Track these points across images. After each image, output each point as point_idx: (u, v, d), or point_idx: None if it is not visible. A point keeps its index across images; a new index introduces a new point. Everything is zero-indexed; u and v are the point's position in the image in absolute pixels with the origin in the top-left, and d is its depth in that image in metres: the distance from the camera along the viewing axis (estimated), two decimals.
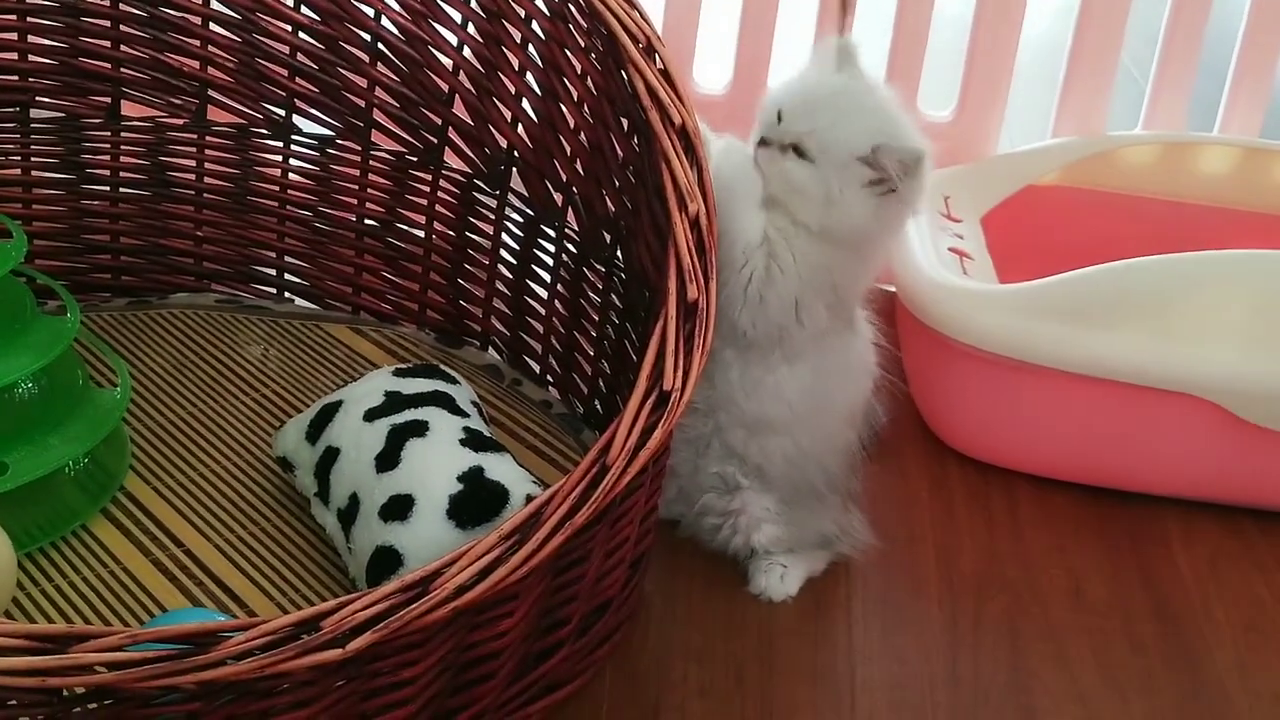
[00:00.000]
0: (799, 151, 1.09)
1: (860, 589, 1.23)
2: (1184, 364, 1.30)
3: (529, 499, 0.99)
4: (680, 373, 0.98)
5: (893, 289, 1.39)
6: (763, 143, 1.11)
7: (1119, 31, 1.65)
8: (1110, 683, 1.16)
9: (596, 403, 1.28)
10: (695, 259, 1.03)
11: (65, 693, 0.78)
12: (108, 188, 1.38)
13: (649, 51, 1.12)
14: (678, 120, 1.09)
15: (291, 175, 1.40)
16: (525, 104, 1.27)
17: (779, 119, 1.10)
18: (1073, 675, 1.16)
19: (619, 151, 1.19)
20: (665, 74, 1.11)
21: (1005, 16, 1.63)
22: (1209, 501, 1.37)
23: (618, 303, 1.23)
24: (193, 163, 1.39)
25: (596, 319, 1.26)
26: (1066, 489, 1.37)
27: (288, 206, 1.40)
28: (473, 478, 1.01)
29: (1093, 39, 1.65)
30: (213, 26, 1.33)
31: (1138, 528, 1.34)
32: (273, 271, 1.43)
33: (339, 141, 1.38)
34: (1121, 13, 1.64)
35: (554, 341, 1.33)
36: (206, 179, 1.39)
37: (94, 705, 0.79)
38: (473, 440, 1.05)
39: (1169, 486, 1.37)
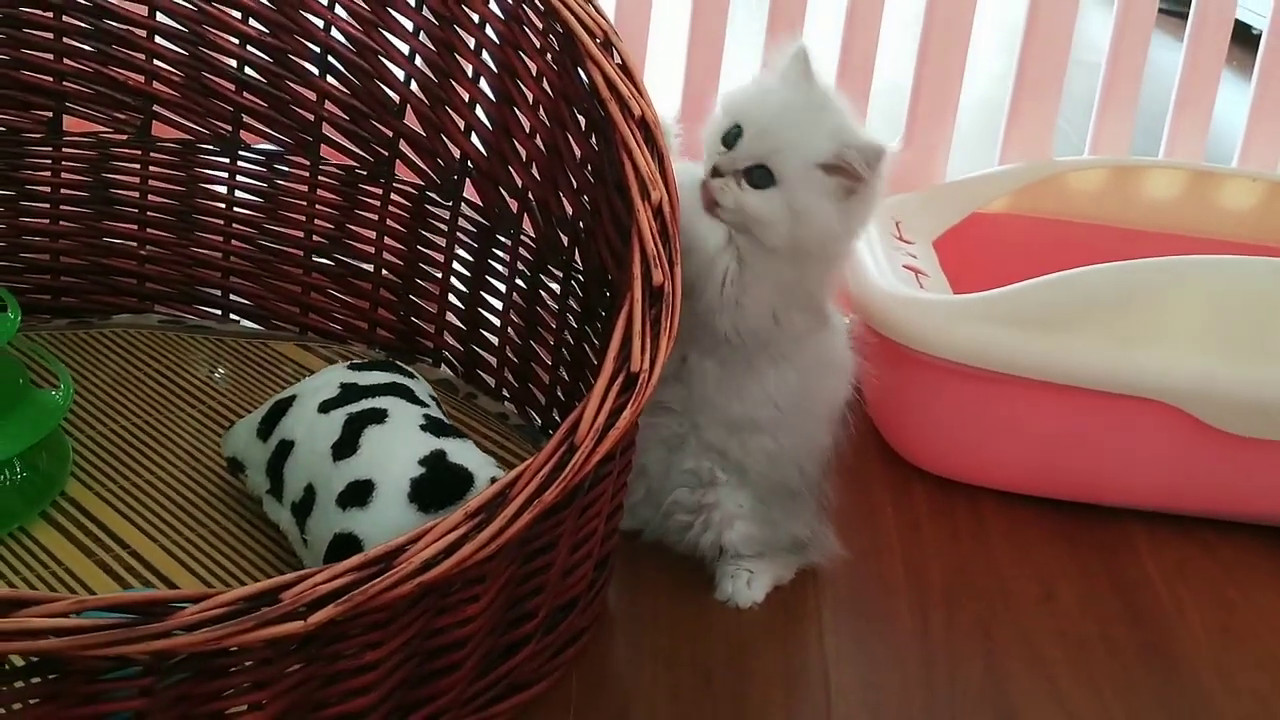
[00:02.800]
0: (756, 176, 1.06)
1: (830, 596, 1.20)
2: (1147, 369, 1.29)
3: (494, 481, 0.96)
4: (648, 355, 0.96)
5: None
6: (715, 173, 1.07)
7: (1064, 57, 1.66)
8: (1087, 683, 1.13)
9: (555, 413, 1.25)
10: (659, 245, 1.01)
11: (6, 665, 0.73)
12: (48, 205, 1.34)
13: (607, 46, 1.11)
14: (637, 111, 1.07)
15: (238, 192, 1.37)
16: (479, 111, 1.26)
17: (733, 142, 1.07)
18: (1049, 676, 1.14)
19: (576, 151, 1.17)
20: (623, 68, 1.10)
21: (950, 47, 1.64)
22: (1175, 513, 1.35)
23: (575, 306, 1.21)
24: (136, 180, 1.35)
25: (554, 326, 1.24)
26: (1032, 503, 1.36)
27: (234, 225, 1.37)
28: (435, 461, 0.97)
29: (1038, 64, 1.66)
30: (158, 40, 1.31)
31: (1105, 537, 1.33)
32: (218, 292, 1.39)
33: (287, 157, 1.35)
34: (1065, 40, 1.66)
35: (509, 353, 1.30)
36: (150, 196, 1.36)
37: (38, 679, 0.74)
38: (433, 426, 1.02)
39: (1134, 498, 1.36)
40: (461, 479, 0.96)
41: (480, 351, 1.32)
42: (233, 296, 1.39)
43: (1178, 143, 1.73)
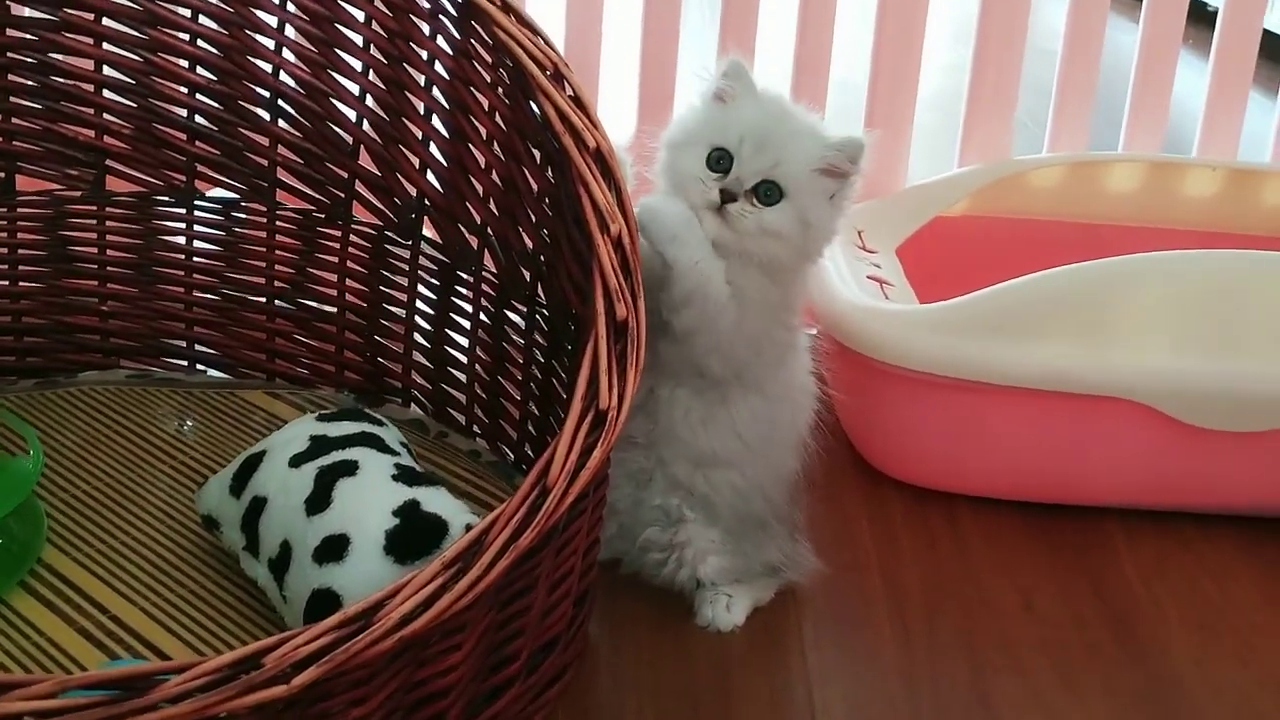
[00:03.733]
0: (764, 192, 1.06)
1: (810, 614, 1.20)
2: (1115, 369, 1.30)
3: (469, 529, 0.96)
4: (615, 392, 0.96)
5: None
6: (728, 198, 1.06)
7: (1019, 55, 1.67)
8: (1070, 688, 1.14)
9: (527, 447, 1.25)
10: (621, 279, 1.01)
11: None
12: (6, 266, 1.33)
13: (558, 78, 1.11)
14: (591, 143, 1.07)
15: (196, 242, 1.36)
16: (433, 148, 1.25)
17: (723, 165, 1.07)
18: (1032, 684, 1.14)
19: (533, 184, 1.17)
20: (576, 99, 1.10)
21: (904, 50, 1.65)
22: (1151, 509, 1.36)
23: (541, 340, 1.21)
24: (94, 235, 1.34)
25: (521, 361, 1.24)
26: (1007, 507, 1.36)
27: (194, 275, 1.36)
28: (409, 511, 0.97)
29: (993, 64, 1.67)
30: (106, 93, 1.30)
31: (1082, 538, 1.33)
32: (183, 343, 1.38)
33: (243, 204, 1.35)
34: (1020, 37, 1.66)
35: (478, 389, 1.29)
36: (109, 251, 1.35)
37: None
38: (405, 475, 1.02)
39: (1110, 496, 1.36)
40: (436, 528, 0.96)
41: (449, 389, 1.32)
42: (198, 347, 1.38)
43: (1137, 132, 1.73)
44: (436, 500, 0.99)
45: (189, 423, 1.29)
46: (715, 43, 1.63)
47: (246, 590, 1.05)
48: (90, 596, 1.05)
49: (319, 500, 0.99)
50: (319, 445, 1.04)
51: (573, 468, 0.92)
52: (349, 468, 1.01)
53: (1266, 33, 1.76)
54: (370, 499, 0.98)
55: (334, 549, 0.95)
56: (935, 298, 1.48)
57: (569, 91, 1.10)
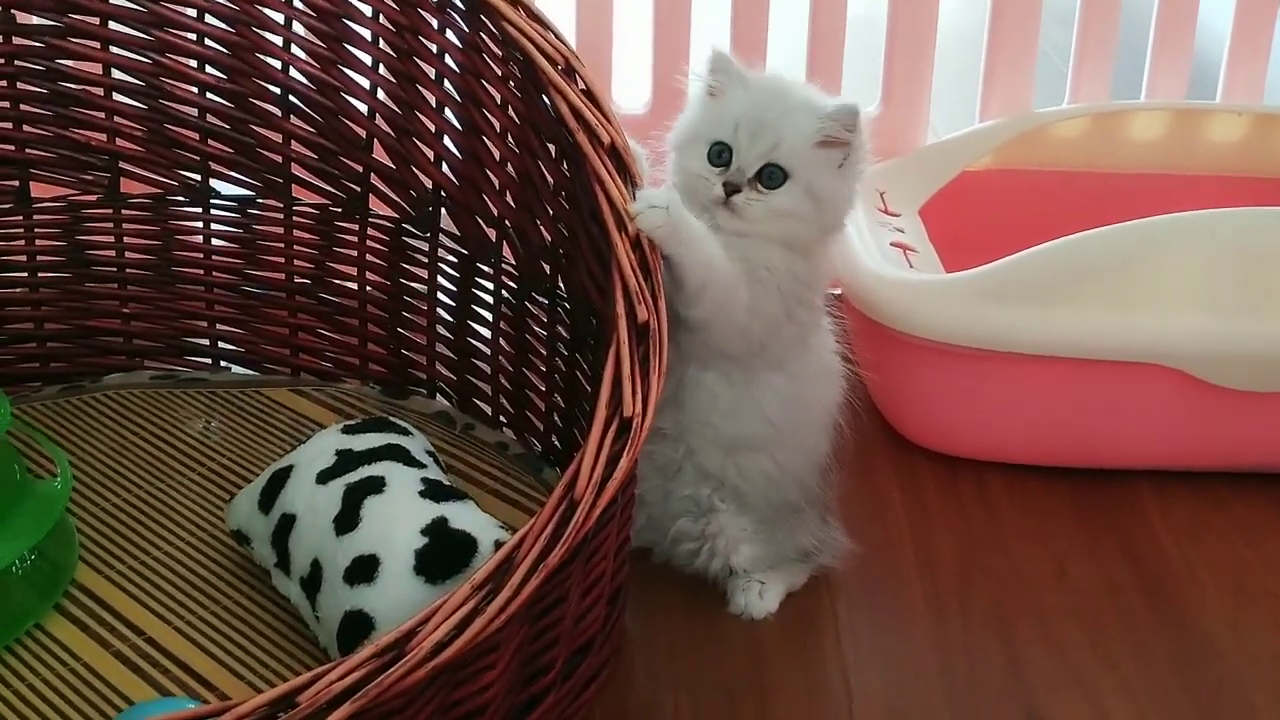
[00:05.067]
0: (768, 176, 1.06)
1: (844, 597, 1.20)
2: (1143, 333, 1.29)
3: (498, 545, 0.96)
4: (639, 398, 0.95)
5: (838, 291, 1.36)
6: (732, 190, 1.06)
7: (1037, 7, 1.64)
8: (1106, 660, 1.14)
9: (554, 438, 1.25)
10: (641, 280, 1.00)
11: None
12: (25, 274, 1.33)
13: (569, 73, 1.09)
14: (606, 139, 1.06)
15: (215, 240, 1.35)
16: (447, 141, 1.24)
17: (724, 159, 1.06)
18: (1068, 657, 1.14)
19: (549, 178, 1.16)
20: (588, 93, 1.09)
21: (921, 3, 1.62)
22: (1182, 470, 1.35)
23: (564, 333, 1.20)
24: (111, 239, 1.34)
25: (545, 353, 1.23)
26: (1038, 473, 1.36)
27: (214, 273, 1.36)
28: (437, 529, 0.97)
29: (1011, 18, 1.64)
30: (117, 97, 1.29)
31: (1113, 503, 1.32)
32: (206, 341, 1.38)
33: (260, 200, 1.34)
34: None
35: (503, 381, 1.29)
36: (127, 254, 1.35)
37: None
38: (432, 490, 1.02)
39: (1140, 459, 1.35)
40: (465, 545, 0.96)
41: (474, 380, 1.32)
42: (221, 345, 1.38)
43: (1158, 81, 1.70)
44: (464, 516, 0.99)
45: (214, 423, 1.29)
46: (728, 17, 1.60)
47: (280, 607, 1.06)
48: (124, 617, 1.06)
49: (348, 519, 0.99)
50: (345, 460, 1.04)
51: (599, 479, 0.91)
52: (376, 485, 1.01)
53: None
54: (398, 517, 0.98)
55: (364, 570, 0.95)
56: (961, 257, 1.46)
57: (581, 85, 1.09)
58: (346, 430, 1.10)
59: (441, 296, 1.31)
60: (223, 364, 1.39)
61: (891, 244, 1.44)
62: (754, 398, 1.12)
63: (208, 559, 1.12)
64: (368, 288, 1.34)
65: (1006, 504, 1.33)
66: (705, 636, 1.15)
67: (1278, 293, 1.29)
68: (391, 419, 1.15)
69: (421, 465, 1.06)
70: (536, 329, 1.24)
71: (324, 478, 1.03)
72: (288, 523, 1.03)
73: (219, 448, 1.26)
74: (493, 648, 0.89)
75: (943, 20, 1.64)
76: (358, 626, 0.94)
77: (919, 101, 1.67)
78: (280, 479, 1.06)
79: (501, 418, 1.31)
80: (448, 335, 1.32)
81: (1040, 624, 1.17)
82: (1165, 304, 1.29)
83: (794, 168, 1.06)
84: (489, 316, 1.28)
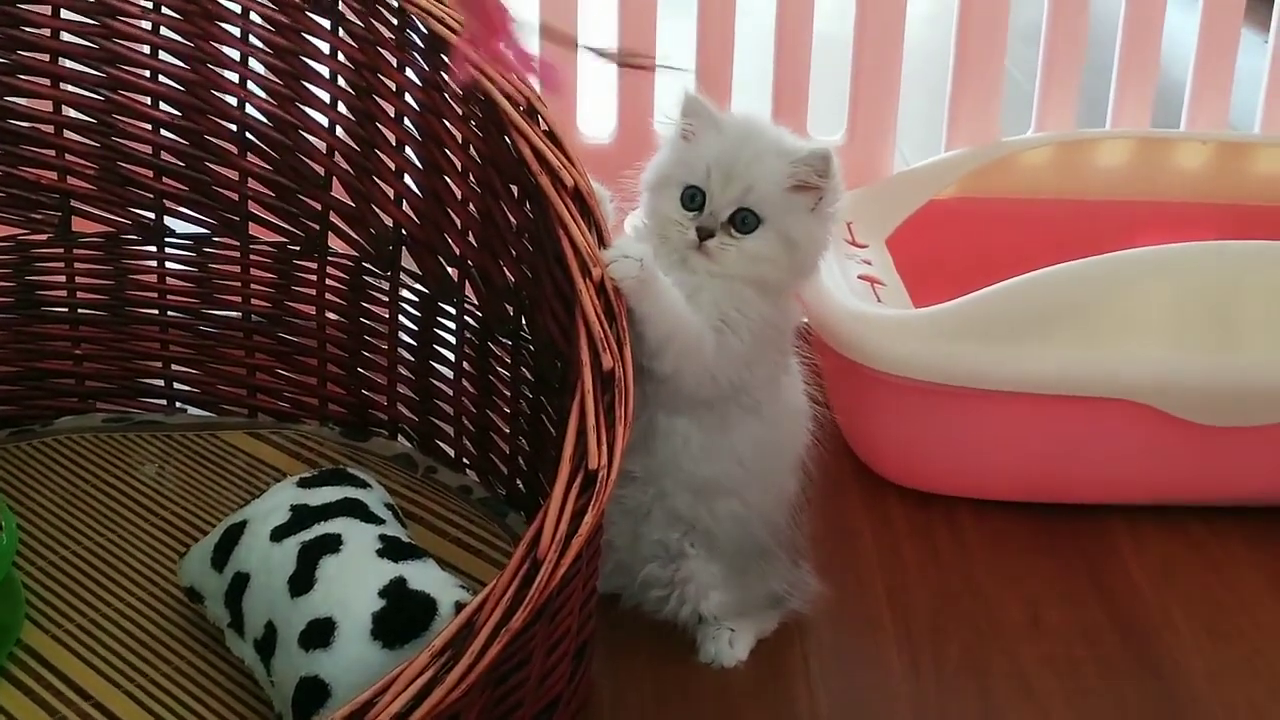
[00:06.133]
0: (740, 220, 1.05)
1: (815, 644, 1.18)
2: (1111, 369, 1.28)
3: (458, 606, 0.93)
4: (605, 449, 0.93)
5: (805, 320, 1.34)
6: (705, 234, 1.05)
7: (1001, 37, 1.63)
8: (1083, 712, 1.12)
9: (519, 481, 1.22)
10: (605, 326, 0.98)
11: None
12: None
13: (531, 114, 1.07)
14: (569, 182, 1.04)
15: (169, 279, 1.32)
16: (408, 179, 1.22)
17: (697, 203, 1.05)
18: (1043, 709, 1.12)
19: (512, 219, 1.13)
20: (550, 135, 1.06)
21: (886, 33, 1.61)
22: (1153, 504, 1.34)
23: (529, 375, 1.17)
24: (62, 278, 1.31)
25: (509, 394, 1.21)
26: (1010, 509, 1.34)
27: (169, 312, 1.33)
28: (395, 590, 0.94)
29: (975, 47, 1.63)
30: (68, 134, 1.26)
31: (1085, 540, 1.31)
32: (160, 382, 1.35)
33: (215, 239, 1.31)
34: (1002, 17, 1.62)
35: (466, 422, 1.26)
36: (79, 294, 1.31)
37: None
38: (390, 549, 0.98)
39: (1111, 494, 1.34)
40: (425, 607, 0.93)
41: (436, 421, 1.29)
42: (176, 385, 1.35)
43: (1123, 109, 1.70)
44: (423, 576, 0.96)
45: (168, 469, 1.26)
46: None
47: (234, 668, 1.02)
48: (71, 681, 1.01)
49: (302, 580, 0.95)
50: (301, 516, 1.01)
51: (564, 535, 0.89)
52: (332, 543, 0.98)
53: None
54: (355, 578, 0.94)
55: (320, 634, 0.92)
56: (929, 286, 1.45)
57: (543, 127, 1.07)
58: (302, 484, 1.07)
59: (403, 336, 1.29)
60: (178, 405, 1.35)
61: (859, 276, 1.43)
62: (727, 442, 1.10)
63: (159, 616, 1.08)
64: (327, 327, 1.32)
65: (978, 542, 1.31)
66: (675, 686, 1.13)
67: (1244, 327, 1.28)
68: (349, 470, 1.12)
69: (380, 521, 1.03)
70: (500, 370, 1.21)
71: (279, 535, 1.00)
72: (241, 581, 1.00)
73: (173, 495, 1.23)
74: (453, 716, 0.86)
75: (908, 47, 1.63)
76: (313, 694, 0.91)
77: (885, 130, 1.66)
78: (234, 535, 1.03)
79: (465, 460, 1.28)
80: (409, 376, 1.29)
81: (1015, 673, 1.15)
82: (1133, 339, 1.28)
83: (767, 213, 1.05)
84: (451, 357, 1.26)
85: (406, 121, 1.20)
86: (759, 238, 1.06)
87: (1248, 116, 1.76)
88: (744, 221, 1.05)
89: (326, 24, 1.21)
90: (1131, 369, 1.27)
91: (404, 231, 1.24)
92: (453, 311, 1.24)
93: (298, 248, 1.30)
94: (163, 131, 1.26)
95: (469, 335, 1.23)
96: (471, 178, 1.16)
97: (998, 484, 1.35)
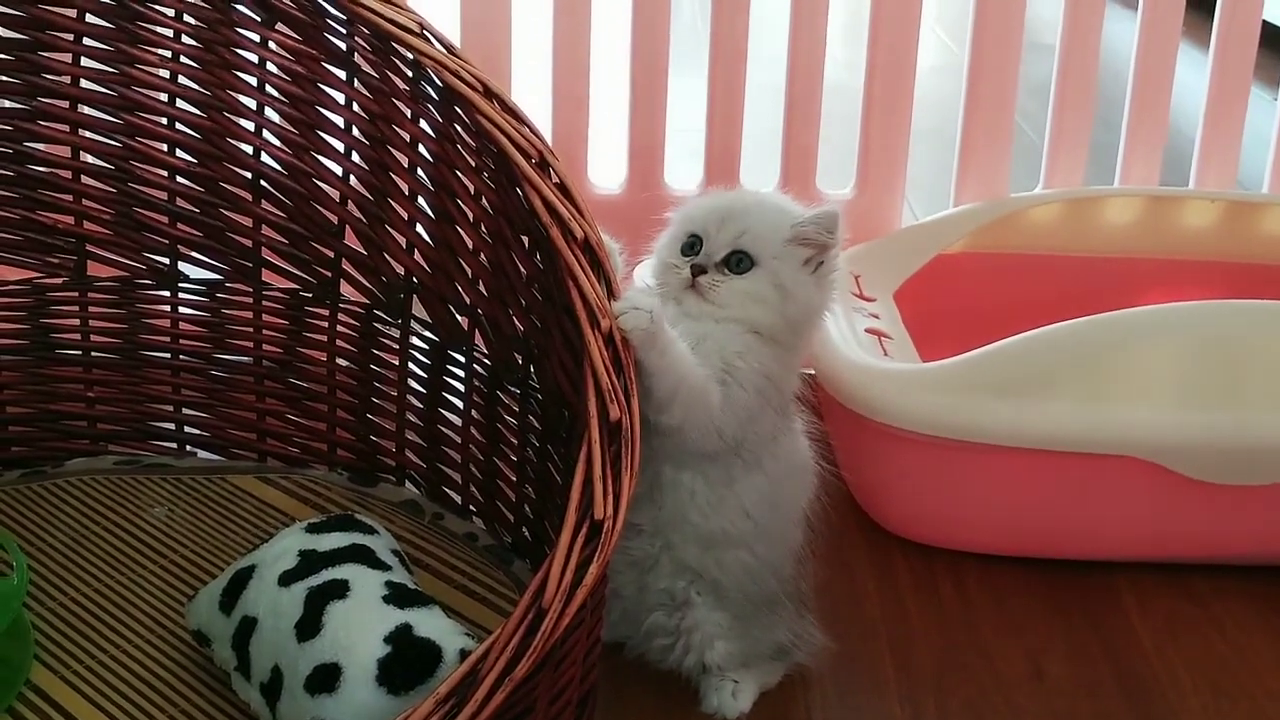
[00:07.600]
0: (734, 262, 1.08)
1: (818, 697, 1.18)
2: (1117, 426, 1.28)
3: (463, 654, 0.93)
4: (611, 499, 0.93)
5: (811, 371, 1.35)
6: (699, 271, 1.08)
7: (1011, 93, 1.65)
8: None
9: (525, 530, 1.23)
10: (613, 377, 0.99)
11: None
12: None
13: (543, 166, 1.08)
14: (580, 234, 1.05)
15: (182, 324, 1.33)
16: (420, 229, 1.23)
17: (699, 245, 1.09)
18: None
19: (522, 270, 1.14)
20: (562, 187, 1.07)
21: (896, 89, 1.63)
22: (1158, 562, 1.34)
23: (536, 424, 1.18)
24: (76, 322, 1.32)
25: (516, 443, 1.21)
26: (1014, 564, 1.34)
27: (181, 357, 1.34)
28: (400, 637, 0.94)
29: (985, 103, 1.65)
30: (85, 179, 1.27)
31: (1091, 598, 1.31)
32: (171, 426, 1.36)
33: (228, 284, 1.32)
34: (1012, 74, 1.64)
35: (474, 470, 1.27)
36: (93, 337, 1.33)
37: None
38: (397, 595, 0.99)
39: (1115, 551, 1.34)
40: (429, 654, 0.93)
41: (444, 469, 1.30)
42: (187, 429, 1.36)
43: (1132, 167, 1.71)
44: (429, 623, 0.96)
45: (177, 511, 1.27)
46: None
47: (241, 712, 1.03)
48: None
49: (310, 625, 0.96)
50: (309, 562, 1.02)
51: (569, 585, 0.89)
52: (339, 589, 0.98)
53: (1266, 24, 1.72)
54: (361, 625, 0.95)
55: (326, 679, 0.93)
56: (936, 340, 1.46)
57: (555, 179, 1.08)
58: (310, 529, 1.07)
59: (412, 383, 1.30)
60: (188, 448, 1.36)
61: (866, 330, 1.43)
62: (733, 494, 1.10)
63: (167, 659, 1.09)
64: (337, 373, 1.33)
65: (982, 597, 1.31)
66: None
67: (1250, 386, 1.28)
68: (357, 516, 1.13)
69: (386, 567, 1.04)
70: (508, 419, 1.22)
71: (286, 580, 1.01)
72: (249, 625, 1.00)
73: (181, 538, 1.24)
74: None
75: (916, 98, 1.64)
76: None
77: (894, 185, 1.67)
78: (242, 579, 1.04)
79: (471, 507, 1.29)
80: (418, 422, 1.30)
81: None
82: (1138, 396, 1.28)
83: (761, 256, 1.08)
84: (460, 405, 1.27)
85: (419, 172, 1.21)
86: (751, 278, 1.08)
87: (1256, 175, 1.77)
88: (738, 263, 1.08)
89: (342, 75, 1.22)
90: (1137, 426, 1.28)
91: (415, 280, 1.25)
92: (462, 360, 1.25)
93: (310, 294, 1.31)
94: (178, 178, 1.28)
95: (478, 384, 1.24)
96: (483, 228, 1.17)
97: (1002, 539, 1.35)
